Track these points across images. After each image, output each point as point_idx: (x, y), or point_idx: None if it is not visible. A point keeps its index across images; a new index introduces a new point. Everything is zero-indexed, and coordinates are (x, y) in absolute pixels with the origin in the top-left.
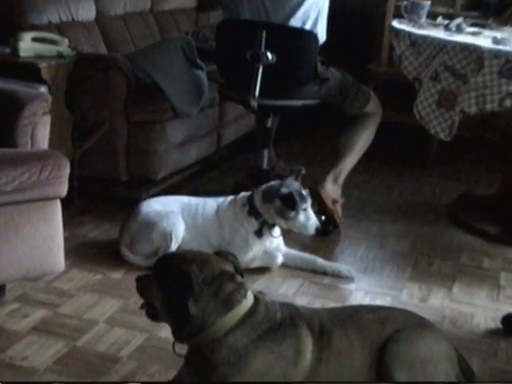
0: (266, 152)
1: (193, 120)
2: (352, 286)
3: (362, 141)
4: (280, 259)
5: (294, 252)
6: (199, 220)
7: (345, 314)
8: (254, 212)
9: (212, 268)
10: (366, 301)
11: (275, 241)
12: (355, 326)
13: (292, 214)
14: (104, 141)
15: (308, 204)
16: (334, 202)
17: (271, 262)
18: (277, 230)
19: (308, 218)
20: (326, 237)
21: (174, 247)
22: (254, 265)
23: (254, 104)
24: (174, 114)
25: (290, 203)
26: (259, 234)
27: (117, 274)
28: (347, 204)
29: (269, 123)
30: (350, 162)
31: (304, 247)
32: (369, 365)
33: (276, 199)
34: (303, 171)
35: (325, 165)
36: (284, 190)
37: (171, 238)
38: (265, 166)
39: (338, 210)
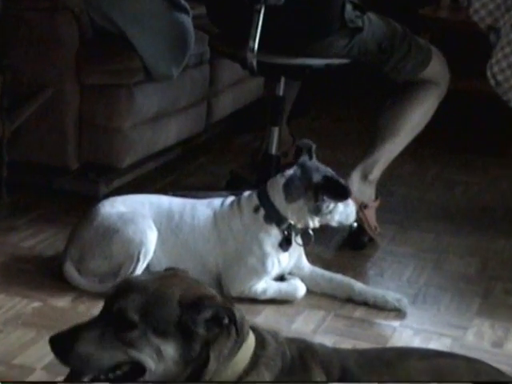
0: (275, 131)
1: (173, 84)
2: (395, 322)
3: (413, 121)
4: (303, 287)
5: (320, 272)
6: (186, 232)
7: (382, 360)
8: (274, 216)
9: (206, 295)
10: (416, 343)
11: (296, 254)
12: (396, 377)
13: (331, 205)
14: (45, 113)
15: None
16: (364, 206)
17: (293, 290)
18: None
19: (346, 204)
20: (357, 251)
21: (141, 267)
22: (266, 296)
23: (252, 61)
24: (147, 76)
25: (333, 191)
26: (285, 245)
27: (61, 302)
28: (388, 206)
29: (279, 90)
30: (390, 150)
31: (326, 265)
32: None
33: (309, 192)
34: (313, 146)
35: (357, 153)
36: (318, 177)
37: (139, 253)
38: (273, 150)
39: (370, 216)
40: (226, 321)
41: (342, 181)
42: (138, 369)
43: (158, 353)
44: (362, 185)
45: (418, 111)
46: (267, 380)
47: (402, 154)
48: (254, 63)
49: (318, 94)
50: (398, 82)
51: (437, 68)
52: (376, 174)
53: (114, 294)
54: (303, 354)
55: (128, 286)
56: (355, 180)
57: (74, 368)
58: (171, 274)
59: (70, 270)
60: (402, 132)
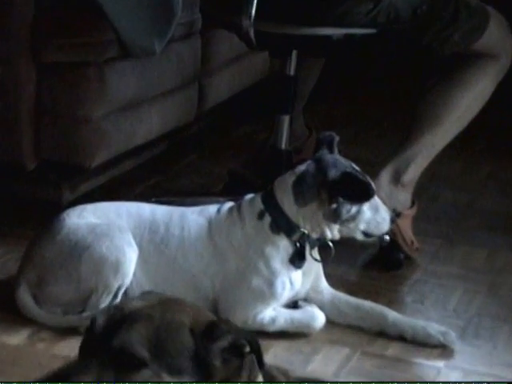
0: (285, 121)
1: (155, 62)
2: (440, 362)
3: (461, 107)
4: (322, 316)
5: (344, 297)
6: (173, 248)
7: None
8: (282, 225)
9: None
10: None
11: (312, 273)
12: None
13: (354, 209)
14: None
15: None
16: (396, 214)
17: (308, 320)
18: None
19: (376, 209)
20: (391, 272)
21: (118, 293)
22: (275, 327)
23: (249, 29)
24: (122, 52)
25: (350, 190)
26: (298, 260)
27: (15, 338)
28: (430, 215)
29: (290, 69)
30: (430, 144)
31: (351, 290)
32: None
33: (322, 192)
34: (336, 138)
35: (387, 149)
36: (334, 173)
37: (115, 276)
38: (283, 144)
39: (405, 228)
40: (247, 349)
41: (363, 177)
42: None
43: None
44: (394, 188)
45: (468, 94)
46: None
47: (447, 150)
48: (251, 33)
49: (337, 75)
50: (442, 56)
51: (495, 36)
52: (412, 174)
53: (109, 325)
54: None
55: (127, 315)
56: (384, 182)
57: None
58: (163, 297)
59: (25, 297)
60: (447, 121)
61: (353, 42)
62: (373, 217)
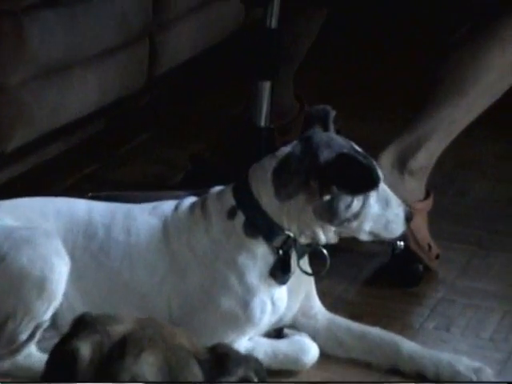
0: (266, 89)
1: (90, 12)
2: None
3: (496, 70)
4: (314, 347)
5: (344, 322)
6: (117, 259)
7: None
8: (260, 225)
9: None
10: None
11: (301, 290)
12: None
13: (355, 202)
14: None
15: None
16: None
17: (296, 352)
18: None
19: (386, 202)
20: (406, 289)
21: (43, 318)
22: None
23: None
24: None
25: (349, 177)
26: (282, 272)
27: None
28: (458, 214)
29: (270, 19)
30: (451, 119)
31: (353, 312)
32: None
33: (312, 180)
34: (332, 113)
35: (391, 126)
36: (328, 155)
37: (40, 296)
38: (263, 120)
39: (418, 227)
40: (255, 381)
41: (365, 159)
42: None
43: None
44: (399, 176)
45: (506, 54)
46: None
47: (477, 129)
48: None
49: (335, 33)
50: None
51: None
52: (423, 160)
53: (103, 356)
54: None
55: (120, 341)
56: (386, 167)
57: None
58: (134, 317)
59: None
60: (475, 88)
61: None
62: (382, 213)
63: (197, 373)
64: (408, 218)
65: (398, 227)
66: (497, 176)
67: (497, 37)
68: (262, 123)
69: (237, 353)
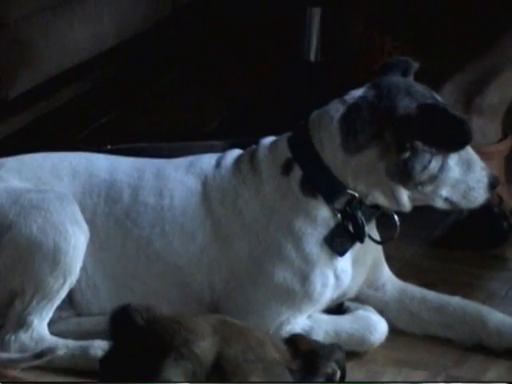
0: (315, 15)
1: None
2: None
3: None
4: (383, 324)
5: (418, 292)
6: (146, 227)
7: None
8: (321, 182)
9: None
10: None
11: (368, 259)
12: None
13: (434, 163)
14: None
15: None
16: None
17: (363, 330)
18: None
19: (468, 166)
20: (488, 251)
21: (57, 298)
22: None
23: None
24: None
25: (437, 133)
26: (341, 240)
27: None
28: None
29: None
30: None
31: (428, 280)
32: None
33: (388, 133)
34: (415, 65)
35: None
36: (408, 104)
37: (52, 269)
38: (313, 54)
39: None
40: (338, 375)
41: (456, 114)
42: None
43: None
44: (464, 115)
45: None
46: None
47: None
48: None
49: None
50: None
51: None
52: (494, 96)
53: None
54: None
55: (218, 363)
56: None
57: None
58: (218, 321)
59: None
60: None
61: None
62: (462, 178)
63: None
64: (492, 185)
65: (479, 196)
66: None
67: None
68: (313, 57)
69: (323, 347)
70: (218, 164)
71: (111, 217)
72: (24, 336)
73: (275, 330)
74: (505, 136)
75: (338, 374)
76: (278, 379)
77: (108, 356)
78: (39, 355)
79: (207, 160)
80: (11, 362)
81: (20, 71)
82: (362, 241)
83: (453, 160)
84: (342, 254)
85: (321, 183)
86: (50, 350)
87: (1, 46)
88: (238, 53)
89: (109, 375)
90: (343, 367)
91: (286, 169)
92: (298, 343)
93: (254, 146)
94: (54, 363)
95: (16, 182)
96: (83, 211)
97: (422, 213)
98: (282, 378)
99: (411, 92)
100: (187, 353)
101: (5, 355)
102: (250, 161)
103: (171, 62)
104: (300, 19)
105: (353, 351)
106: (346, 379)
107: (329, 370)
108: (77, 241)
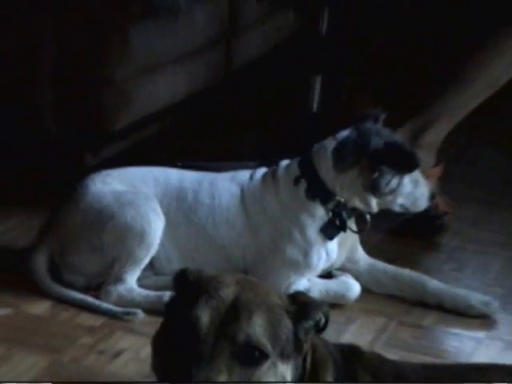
0: (317, 82)
1: (180, 20)
2: (481, 333)
3: (498, 65)
4: (357, 286)
5: (381, 266)
6: (203, 217)
7: (452, 373)
8: (318, 191)
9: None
10: (507, 359)
11: (349, 243)
12: None
13: (394, 181)
14: (11, 60)
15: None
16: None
17: (343, 290)
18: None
19: (416, 183)
20: (428, 239)
21: (142, 263)
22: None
23: None
24: (146, 9)
25: (396, 160)
26: (331, 230)
27: (39, 307)
28: (469, 179)
29: (322, 25)
30: (456, 106)
31: (388, 258)
32: None
33: (364, 160)
34: (382, 116)
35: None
36: (378, 142)
37: (141, 245)
38: (315, 106)
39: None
40: (323, 322)
41: (410, 150)
42: None
43: (281, 381)
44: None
45: (502, 59)
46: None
47: (487, 109)
48: None
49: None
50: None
51: None
52: (433, 137)
53: (220, 320)
54: (349, 357)
55: (233, 305)
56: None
57: None
58: (237, 277)
59: (40, 266)
60: (475, 84)
61: None
62: (412, 191)
63: (288, 324)
64: (432, 196)
65: (422, 203)
66: (500, 149)
67: (496, 47)
68: (315, 109)
69: (314, 301)
70: (251, 177)
71: (180, 211)
72: (120, 288)
73: (285, 288)
74: (438, 163)
75: (323, 320)
76: (277, 317)
77: (171, 301)
78: (127, 313)
79: (244, 174)
80: (109, 311)
81: (121, 113)
82: (344, 231)
83: (406, 179)
84: (331, 238)
85: (318, 192)
86: (134, 312)
87: (109, 97)
88: (265, 106)
89: (170, 314)
90: (327, 317)
91: (296, 181)
92: (297, 297)
93: (274, 166)
94: (142, 306)
95: (117, 185)
96: (161, 206)
97: (385, 213)
98: (280, 316)
99: (380, 133)
100: (214, 294)
101: (106, 305)
102: (272, 176)
103: (220, 112)
104: (307, 83)
105: (337, 303)
106: (330, 323)
107: (317, 317)
108: (156, 226)
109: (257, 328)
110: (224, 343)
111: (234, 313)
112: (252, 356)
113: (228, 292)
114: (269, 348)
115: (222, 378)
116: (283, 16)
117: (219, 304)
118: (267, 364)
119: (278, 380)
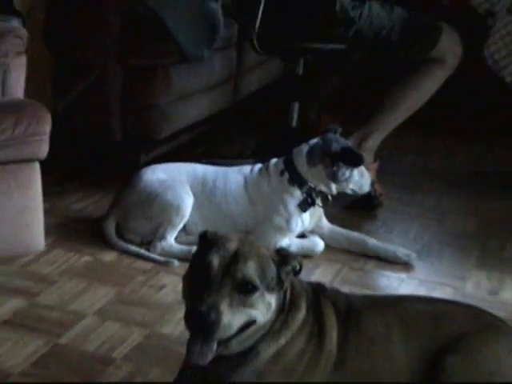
0: (295, 106)
1: (204, 65)
2: (403, 274)
3: (411, 97)
4: (322, 243)
5: (338, 229)
6: (219, 197)
7: (384, 301)
8: (296, 179)
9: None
10: (421, 292)
11: (317, 214)
12: (397, 315)
13: (347, 173)
14: (93, 90)
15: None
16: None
17: (312, 246)
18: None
19: (362, 174)
20: (367, 212)
21: (178, 228)
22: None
23: (255, 43)
24: (181, 57)
25: (348, 159)
26: (304, 206)
27: (109, 256)
28: (396, 172)
29: (299, 69)
30: (386, 122)
31: (342, 224)
32: (415, 365)
33: (327, 158)
34: (339, 129)
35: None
36: (336, 147)
37: (177, 216)
38: (294, 123)
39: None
40: (298, 268)
41: (357, 152)
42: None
43: (268, 307)
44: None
45: (418, 88)
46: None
47: (405, 126)
48: (256, 44)
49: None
50: (404, 63)
51: (446, 45)
52: (371, 142)
53: (226, 263)
54: (316, 291)
55: (235, 254)
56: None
57: (209, 336)
58: (241, 237)
59: (110, 229)
60: (401, 105)
61: (329, 53)
62: (359, 180)
63: (273, 268)
64: (372, 183)
65: (366, 188)
66: (416, 153)
67: (409, 83)
68: (294, 124)
69: (292, 253)
70: (251, 170)
71: (203, 193)
72: (163, 243)
73: (274, 244)
74: (375, 160)
75: (298, 266)
76: (266, 263)
77: (196, 252)
78: (167, 261)
79: (246, 168)
80: (156, 260)
81: (164, 127)
82: (314, 206)
83: (355, 171)
84: (304, 211)
85: (297, 180)
86: (172, 261)
87: (156, 116)
88: (260, 122)
89: (194, 260)
90: (301, 264)
91: (282, 173)
92: (280, 251)
93: (267, 163)
94: (177, 256)
95: (161, 175)
96: (191, 190)
97: (341, 194)
98: (268, 263)
99: (338, 141)
100: (222, 246)
101: (154, 255)
102: (265, 169)
103: (231, 125)
104: (288, 108)
105: (308, 255)
106: (303, 268)
107: (294, 264)
108: (187, 202)
109: (250, 269)
110: (227, 279)
111: (235, 259)
112: (246, 288)
113: (232, 245)
114: (258, 283)
115: (225, 302)
116: (273, 63)
117: (225, 253)
118: (257, 294)
119: (265, 305)
